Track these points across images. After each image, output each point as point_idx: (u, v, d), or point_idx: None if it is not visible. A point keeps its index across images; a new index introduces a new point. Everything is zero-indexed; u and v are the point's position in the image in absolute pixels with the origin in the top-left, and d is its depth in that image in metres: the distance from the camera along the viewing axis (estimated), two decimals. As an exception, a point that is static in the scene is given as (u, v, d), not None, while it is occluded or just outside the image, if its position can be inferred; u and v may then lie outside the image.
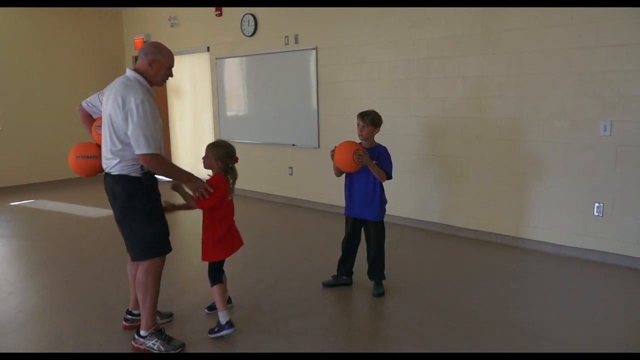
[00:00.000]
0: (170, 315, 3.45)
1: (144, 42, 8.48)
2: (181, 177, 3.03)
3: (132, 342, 3.04)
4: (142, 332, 3.01)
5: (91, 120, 3.28)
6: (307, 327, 3.27)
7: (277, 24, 6.58)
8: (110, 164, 2.89)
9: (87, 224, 6.04)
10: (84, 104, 3.27)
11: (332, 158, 3.57)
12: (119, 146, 2.83)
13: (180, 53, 8.12)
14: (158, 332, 3.02)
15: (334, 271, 3.97)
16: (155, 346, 2.98)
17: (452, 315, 3.40)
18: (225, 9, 7.19)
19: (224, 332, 3.13)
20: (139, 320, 3.13)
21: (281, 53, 6.58)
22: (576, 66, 4.29)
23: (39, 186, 8.28)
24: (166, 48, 3.00)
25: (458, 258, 4.59)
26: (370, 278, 3.83)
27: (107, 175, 2.95)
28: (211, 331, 3.18)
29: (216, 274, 3.20)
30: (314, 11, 6.12)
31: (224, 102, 7.53)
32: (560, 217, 4.55)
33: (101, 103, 3.08)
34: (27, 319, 3.50)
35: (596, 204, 4.33)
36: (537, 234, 4.70)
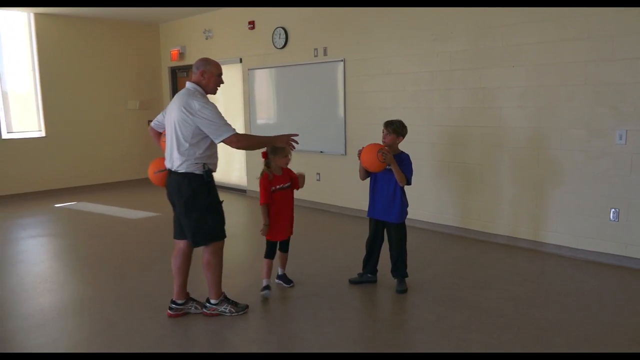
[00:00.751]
0: (246, 307, 3.73)
1: (180, 54, 8.98)
2: (268, 141, 3.62)
3: (204, 310, 3.64)
4: (213, 301, 3.62)
5: (159, 136, 3.80)
6: (334, 318, 3.56)
7: (306, 37, 6.93)
8: (177, 163, 3.37)
9: (126, 225, 6.44)
10: (152, 124, 3.84)
11: (359, 157, 3.84)
12: (186, 146, 3.32)
13: (214, 64, 8.54)
14: (225, 299, 3.66)
15: (359, 269, 4.25)
16: (227, 310, 3.62)
17: (469, 311, 3.64)
18: (257, 23, 7.57)
19: (262, 292, 3.90)
20: (183, 309, 3.65)
21: (310, 65, 6.92)
22: (592, 78, 4.50)
23: (80, 189, 8.77)
24: (213, 60, 3.52)
25: (477, 260, 4.82)
26: (393, 276, 4.08)
27: (173, 173, 3.42)
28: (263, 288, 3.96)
29: (266, 250, 3.95)
30: (342, 25, 6.44)
31: (254, 111, 7.89)
32: (577, 221, 4.74)
33: (164, 117, 3.59)
34: (82, 307, 3.87)
35: (612, 210, 4.51)
36: (555, 237, 4.90)
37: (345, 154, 6.65)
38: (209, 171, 3.39)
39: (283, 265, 4.19)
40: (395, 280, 4.08)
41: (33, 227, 6.39)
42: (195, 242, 3.49)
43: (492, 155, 5.25)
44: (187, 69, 9.28)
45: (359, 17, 6.24)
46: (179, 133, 3.32)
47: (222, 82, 3.57)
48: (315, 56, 6.85)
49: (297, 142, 3.60)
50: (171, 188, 3.46)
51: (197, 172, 3.35)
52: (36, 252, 5.41)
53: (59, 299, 4.06)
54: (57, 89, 8.46)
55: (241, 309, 3.66)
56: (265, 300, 3.89)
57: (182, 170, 3.35)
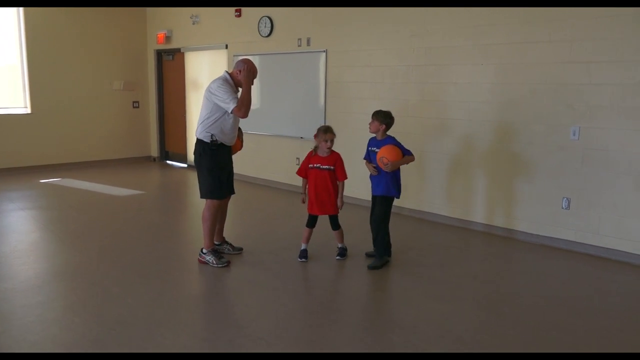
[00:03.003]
0: (240, 249, 4.68)
1: (167, 37, 9.17)
2: (248, 88, 4.24)
3: (198, 257, 4.39)
4: (204, 250, 4.38)
5: None
6: (312, 287, 3.93)
7: (291, 26, 7.23)
8: (197, 131, 4.30)
9: (112, 201, 6.70)
10: None
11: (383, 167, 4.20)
12: (203, 119, 4.23)
13: (200, 49, 8.78)
14: (214, 251, 4.38)
15: (331, 247, 4.63)
16: (211, 260, 4.31)
17: (431, 285, 4.04)
18: (244, 11, 7.83)
19: (299, 258, 4.46)
20: (220, 248, 4.59)
21: (294, 54, 7.23)
22: (552, 78, 4.93)
23: (65, 166, 8.95)
24: (255, 66, 4.35)
25: (440, 242, 5.24)
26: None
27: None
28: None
29: (307, 220, 4.53)
30: (326, 17, 6.76)
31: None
32: (532, 209, 5.19)
33: None
34: (75, 272, 4.17)
35: (564, 199, 4.97)
36: (513, 223, 5.34)
37: (325, 140, 6.99)
38: (215, 141, 4.21)
39: (338, 240, 4.61)
40: (376, 254, 4.40)
41: (21, 200, 6.60)
42: (201, 194, 4.38)
43: (460, 145, 5.67)
44: (173, 52, 9.48)
45: (342, 10, 6.55)
46: (202, 108, 4.25)
47: (252, 84, 4.30)
48: (299, 46, 7.15)
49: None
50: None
51: (205, 139, 4.22)
52: (26, 223, 5.65)
53: (52, 265, 4.35)
54: (43, 67, 8.59)
55: (222, 263, 4.31)
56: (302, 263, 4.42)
57: (197, 136, 4.27)
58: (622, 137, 4.58)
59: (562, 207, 4.99)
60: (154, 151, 10.24)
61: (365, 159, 4.51)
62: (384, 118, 4.32)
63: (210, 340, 3.11)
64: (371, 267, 4.32)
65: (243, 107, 4.12)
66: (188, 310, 3.53)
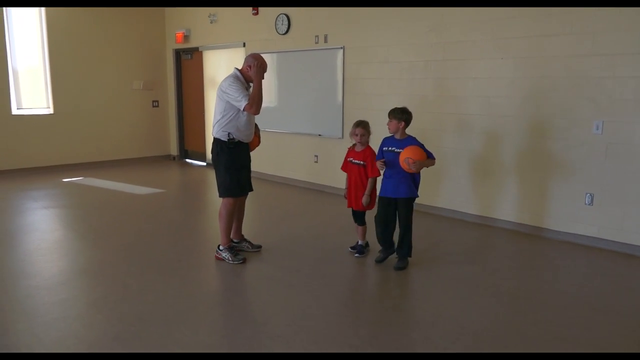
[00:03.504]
0: (259, 246, 4.69)
1: (185, 37, 9.25)
2: (259, 83, 4.19)
3: (215, 254, 4.45)
4: (221, 247, 4.44)
5: None
6: (329, 284, 3.93)
7: (308, 24, 7.22)
8: (213, 130, 4.32)
9: (133, 199, 6.79)
10: None
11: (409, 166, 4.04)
12: (218, 118, 4.25)
13: (218, 47, 8.83)
14: (230, 248, 4.43)
15: (349, 244, 4.61)
16: (227, 257, 4.37)
17: (450, 281, 4.01)
18: (261, 9, 7.85)
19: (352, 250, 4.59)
20: (239, 246, 4.61)
21: (311, 51, 7.22)
22: (574, 71, 4.83)
23: (87, 165, 9.10)
24: (263, 60, 4.31)
25: (461, 239, 5.19)
26: (397, 253, 4.35)
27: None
28: (352, 247, 4.62)
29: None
30: (343, 13, 6.74)
31: (256, 94, 8.20)
32: (554, 205, 5.11)
33: None
34: (97, 269, 4.23)
35: (587, 194, 4.88)
36: (535, 220, 5.26)
37: (343, 137, 6.98)
38: (232, 139, 4.24)
39: (359, 236, 4.59)
40: (400, 256, 4.31)
41: (44, 199, 6.73)
42: (219, 193, 4.42)
43: (480, 141, 5.60)
44: (191, 51, 9.56)
45: (359, 6, 6.52)
46: (216, 107, 4.28)
47: (263, 78, 4.28)
48: (316, 43, 7.14)
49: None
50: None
51: (222, 138, 4.25)
52: (49, 221, 5.76)
53: (75, 262, 4.43)
54: (65, 68, 8.73)
55: (238, 259, 4.36)
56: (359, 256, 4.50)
57: (214, 135, 4.31)
58: (646, 131, 4.48)
59: (585, 203, 4.90)
60: (174, 150, 10.34)
61: (378, 159, 4.28)
62: (401, 114, 4.19)
63: (228, 337, 3.14)
64: (397, 268, 4.24)
65: (254, 104, 4.12)
66: (207, 307, 3.56)
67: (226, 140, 4.24)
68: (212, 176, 8.53)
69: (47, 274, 4.12)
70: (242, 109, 4.11)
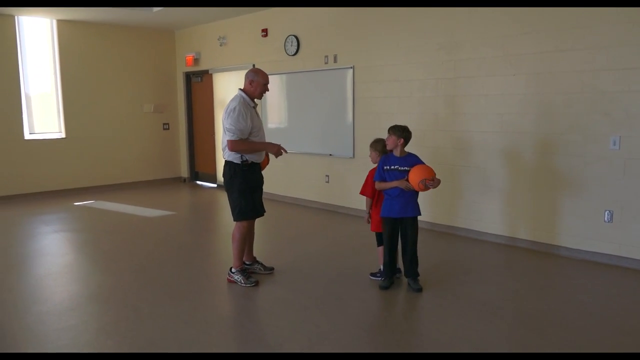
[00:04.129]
0: (271, 269, 4.62)
1: (195, 59, 9.32)
2: (261, 147, 4.26)
3: (227, 276, 4.38)
4: (233, 270, 4.37)
5: None
6: (344, 306, 3.84)
7: (317, 44, 7.24)
8: (224, 153, 4.26)
9: (144, 222, 6.76)
10: None
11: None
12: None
13: (227, 70, 8.88)
14: (242, 271, 4.36)
15: (363, 266, 4.51)
16: (240, 279, 4.30)
17: (468, 303, 3.90)
18: (270, 31, 7.89)
19: (376, 278, 4.38)
20: (251, 268, 4.54)
21: (321, 71, 7.23)
22: (588, 86, 4.77)
23: (98, 189, 9.11)
24: (261, 71, 4.30)
25: (477, 258, 5.08)
26: (407, 275, 4.23)
27: (225, 161, 4.31)
28: (373, 274, 4.44)
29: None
30: (352, 33, 6.75)
31: (266, 115, 8.20)
32: (573, 223, 4.99)
33: None
34: (108, 294, 4.17)
35: (606, 212, 4.76)
36: (552, 238, 5.15)
37: (354, 156, 6.94)
38: (245, 161, 4.18)
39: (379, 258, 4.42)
40: (409, 279, 4.21)
41: (55, 222, 6.72)
42: (233, 217, 4.33)
43: (493, 159, 5.52)
44: (201, 74, 9.62)
45: (368, 26, 6.54)
46: (224, 130, 4.18)
47: (268, 90, 4.33)
48: (326, 63, 7.15)
49: (285, 151, 4.38)
50: (222, 173, 4.36)
51: (235, 161, 4.19)
52: (60, 245, 5.73)
53: (86, 287, 4.37)
54: (77, 92, 8.82)
55: (250, 282, 4.28)
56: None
57: (226, 158, 4.25)
58: (665, 146, 4.39)
59: (605, 220, 4.78)
60: (184, 172, 10.34)
61: (378, 180, 4.14)
62: (401, 132, 4.10)
63: (242, 362, 3.05)
64: (418, 290, 4.11)
65: (242, 148, 4.11)
66: (219, 332, 3.48)
67: (239, 162, 4.19)
68: (223, 198, 8.54)
69: (58, 299, 4.07)
70: (228, 139, 4.08)
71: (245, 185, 4.23)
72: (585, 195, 4.89)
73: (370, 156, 4.40)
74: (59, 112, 8.77)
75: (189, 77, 9.99)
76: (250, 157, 4.21)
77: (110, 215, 7.25)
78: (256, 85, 4.24)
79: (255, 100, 4.30)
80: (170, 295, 4.11)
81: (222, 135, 4.28)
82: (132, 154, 9.60)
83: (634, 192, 4.59)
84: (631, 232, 4.64)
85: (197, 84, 9.91)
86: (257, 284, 4.29)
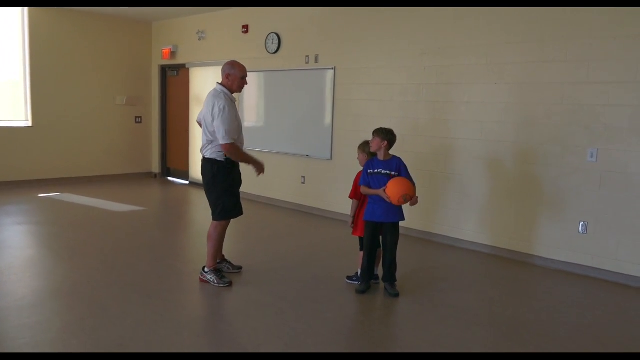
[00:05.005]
0: (239, 268, 4.49)
1: (172, 53, 9.11)
2: (249, 160, 4.15)
3: (200, 276, 4.21)
4: (206, 269, 4.20)
5: None
6: (320, 310, 3.74)
7: (299, 44, 7.14)
8: (205, 150, 4.07)
9: (112, 217, 6.52)
10: (197, 119, 4.36)
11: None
12: (210, 138, 4.01)
13: (205, 65, 8.70)
14: (216, 271, 4.20)
15: (339, 269, 4.43)
16: (213, 279, 4.14)
17: (446, 310, 3.86)
18: (251, 27, 7.76)
19: (352, 282, 4.29)
20: (220, 265, 4.35)
21: (301, 71, 7.13)
22: (568, 98, 4.81)
23: (64, 181, 8.78)
24: (238, 63, 4.11)
25: (454, 265, 5.06)
26: (384, 280, 4.16)
27: (203, 158, 4.12)
28: (350, 278, 4.34)
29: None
30: (334, 34, 6.68)
31: (243, 113, 8.05)
32: (548, 232, 5.03)
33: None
34: (73, 290, 3.98)
35: (581, 223, 4.81)
36: (527, 247, 5.17)
37: (331, 158, 6.86)
38: (228, 160, 4.02)
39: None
40: (386, 284, 4.14)
41: (18, 214, 6.42)
42: (213, 217, 4.16)
43: (473, 166, 5.52)
44: (178, 67, 9.40)
45: (351, 27, 6.48)
46: (205, 127, 4.02)
47: (246, 84, 4.16)
48: (307, 63, 7.06)
49: (263, 173, 4.28)
50: (201, 170, 4.18)
51: (219, 158, 4.02)
52: (23, 238, 5.47)
53: (50, 283, 4.16)
54: (46, 80, 8.49)
55: (224, 282, 4.14)
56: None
57: (207, 155, 4.06)
58: (642, 160, 4.45)
59: (579, 231, 4.82)
60: (155, 167, 10.08)
61: (362, 184, 4.09)
62: (385, 134, 4.05)
63: (216, 366, 2.92)
64: (395, 295, 4.05)
65: (237, 155, 4.03)
66: (192, 333, 3.34)
67: (223, 160, 4.02)
68: (195, 195, 8.37)
69: (19, 294, 3.85)
70: (223, 142, 3.91)
71: (230, 183, 4.11)
72: (562, 206, 4.92)
73: (358, 158, 4.33)
74: (26, 99, 8.42)
75: (164, 70, 9.75)
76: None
77: (77, 208, 6.98)
78: (233, 79, 4.06)
79: (234, 95, 4.16)
80: (139, 293, 3.94)
81: (203, 133, 4.08)
82: (102, 146, 9.30)
83: (609, 204, 4.65)
84: (605, 244, 4.69)
85: (173, 78, 9.68)
86: (230, 284, 4.16)
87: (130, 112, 9.64)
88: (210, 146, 4.03)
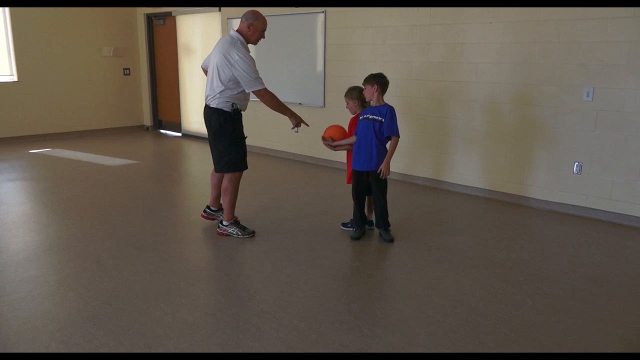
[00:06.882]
0: (252, 232, 4.22)
1: None
2: (286, 111, 4.05)
3: (217, 230, 4.16)
4: (225, 222, 4.14)
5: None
6: (315, 257, 3.77)
7: (287, -14, 6.88)
8: (211, 99, 3.90)
9: (105, 171, 6.47)
10: (202, 65, 4.25)
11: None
12: (222, 87, 3.82)
13: (192, 12, 8.42)
14: (235, 223, 4.15)
15: (333, 216, 4.43)
16: (235, 232, 4.11)
17: (440, 253, 3.89)
18: (237, -30, 7.45)
19: (347, 228, 4.33)
20: (215, 215, 4.39)
21: (291, 15, 6.91)
22: (565, 36, 4.68)
23: (54, 136, 8.68)
24: (262, 15, 3.94)
25: (450, 209, 5.08)
26: (377, 226, 4.20)
27: (207, 107, 3.97)
28: (344, 225, 4.37)
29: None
30: (324, -25, 6.43)
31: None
32: (543, 174, 5.01)
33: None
34: (68, 244, 3.98)
35: (576, 163, 4.79)
36: (522, 189, 5.17)
37: (324, 106, 6.75)
38: (236, 110, 3.91)
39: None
40: (380, 230, 4.17)
41: (9, 171, 6.36)
42: (218, 169, 4.07)
43: (467, 109, 5.44)
44: (164, 16, 9.10)
45: (341, -32, 6.23)
46: (217, 75, 3.82)
47: (264, 37, 4.02)
48: (296, 7, 6.82)
49: (307, 125, 4.20)
50: (205, 119, 4.03)
51: (226, 109, 3.88)
52: (16, 194, 5.43)
53: (44, 237, 4.15)
54: (29, 32, 8.22)
55: (247, 233, 4.13)
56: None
57: (214, 105, 3.89)
58: (639, 97, 4.37)
59: (574, 172, 4.81)
60: (147, 120, 9.95)
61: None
62: (373, 79, 3.95)
63: (213, 314, 2.95)
64: (390, 240, 4.09)
65: (275, 103, 3.95)
66: (188, 283, 3.36)
67: (230, 110, 3.89)
68: (188, 147, 8.30)
69: (14, 249, 3.85)
70: (255, 90, 3.81)
71: (238, 134, 3.99)
72: (556, 146, 4.89)
73: (347, 107, 4.24)
74: (9, 52, 8.18)
75: (150, 19, 9.45)
76: (241, 106, 3.96)
77: (69, 163, 6.91)
78: (254, 30, 3.91)
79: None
80: (135, 246, 3.95)
81: (209, 81, 3.92)
82: (91, 100, 9.13)
83: (604, 144, 4.61)
84: (599, 183, 4.69)
85: (160, 27, 9.39)
86: (253, 234, 4.17)
87: (118, 63, 9.41)
88: (219, 95, 3.86)
